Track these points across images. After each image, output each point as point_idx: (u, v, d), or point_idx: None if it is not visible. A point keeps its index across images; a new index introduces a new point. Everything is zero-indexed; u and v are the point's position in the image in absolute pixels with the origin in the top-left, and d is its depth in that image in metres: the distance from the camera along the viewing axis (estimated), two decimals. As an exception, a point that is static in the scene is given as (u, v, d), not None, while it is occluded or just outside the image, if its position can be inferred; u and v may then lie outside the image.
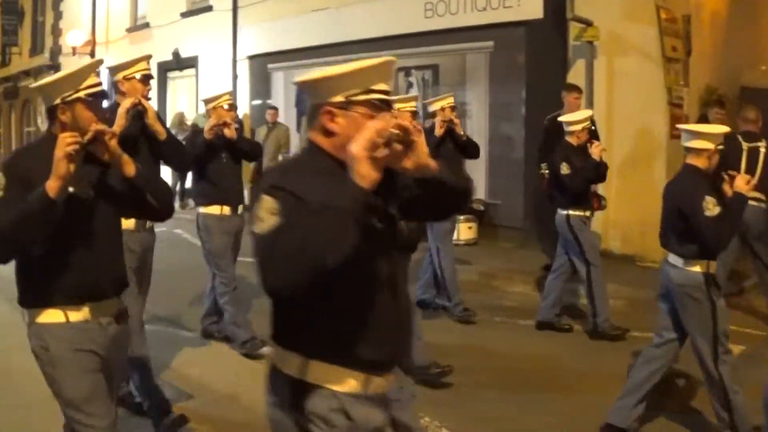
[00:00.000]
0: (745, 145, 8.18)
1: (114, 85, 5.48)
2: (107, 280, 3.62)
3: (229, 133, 7.00)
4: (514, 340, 7.78)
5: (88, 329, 3.52)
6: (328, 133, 2.60)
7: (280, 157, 14.79)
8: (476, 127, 12.64)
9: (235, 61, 17.95)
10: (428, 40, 13.00)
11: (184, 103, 19.83)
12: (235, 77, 17.95)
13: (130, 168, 3.54)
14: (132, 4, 22.28)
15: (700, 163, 5.03)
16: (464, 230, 11.82)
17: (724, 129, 5.18)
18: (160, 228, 5.88)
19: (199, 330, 7.65)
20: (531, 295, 9.42)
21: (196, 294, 8.71)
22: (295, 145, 15.19)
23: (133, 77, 5.46)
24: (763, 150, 8.17)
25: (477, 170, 11.99)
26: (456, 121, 7.98)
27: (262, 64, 17.36)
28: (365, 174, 2.28)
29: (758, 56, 15.23)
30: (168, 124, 18.22)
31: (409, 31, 13.25)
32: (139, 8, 22.08)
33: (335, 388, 2.60)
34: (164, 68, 20.21)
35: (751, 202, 6.43)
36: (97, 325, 3.55)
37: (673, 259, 5.15)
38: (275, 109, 15.77)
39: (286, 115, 16.34)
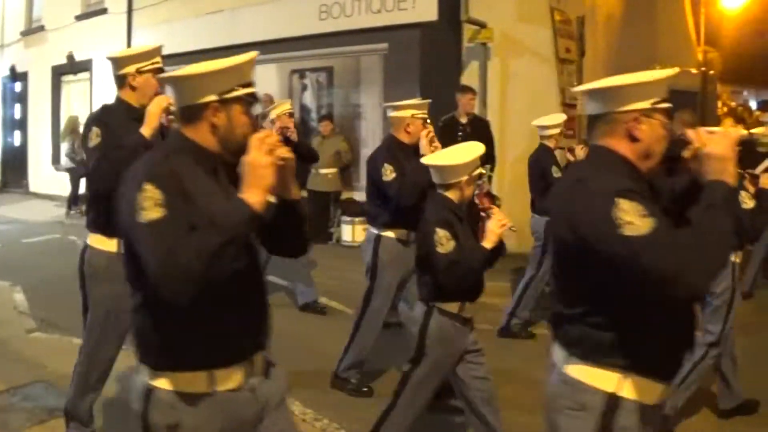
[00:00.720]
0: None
1: (120, 78, 4.58)
2: (265, 325, 2.88)
3: (294, 136, 7.07)
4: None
5: (237, 399, 2.75)
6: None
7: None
8: (371, 130, 12.50)
9: (129, 65, 17.38)
10: (323, 43, 12.81)
11: (78, 108, 19.19)
12: (129, 81, 17.39)
13: (296, 190, 2.88)
14: (27, 6, 21.56)
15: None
16: (358, 231, 11.51)
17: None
18: (53, 235, 5.55)
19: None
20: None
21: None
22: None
23: (148, 70, 4.57)
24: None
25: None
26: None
27: (157, 67, 16.83)
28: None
29: (653, 56, 15.43)
30: (61, 129, 18.05)
31: (303, 33, 13.00)
32: (34, 11, 21.37)
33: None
34: (58, 72, 19.72)
35: None
36: (249, 392, 2.78)
37: None
38: (172, 113, 15.25)
39: (182, 119, 15.89)
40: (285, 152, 2.60)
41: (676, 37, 16.93)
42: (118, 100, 4.59)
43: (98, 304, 4.54)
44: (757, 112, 11.06)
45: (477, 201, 4.58)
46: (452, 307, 4.45)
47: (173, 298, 2.41)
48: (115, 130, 4.33)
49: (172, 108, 4.24)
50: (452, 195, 4.47)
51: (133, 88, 4.52)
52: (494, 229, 4.37)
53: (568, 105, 10.95)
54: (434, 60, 11.57)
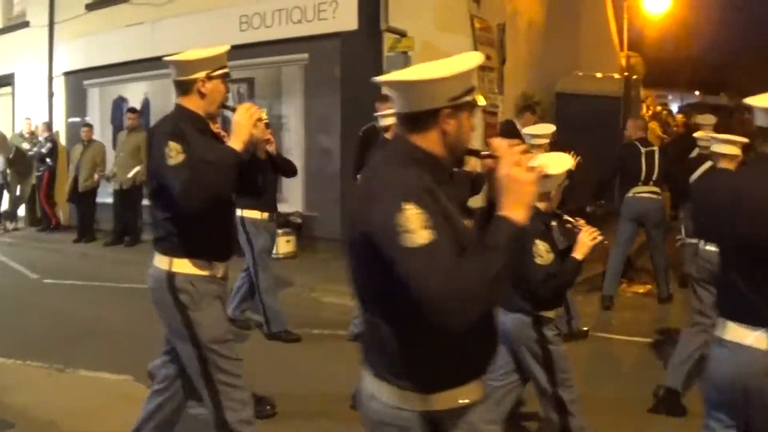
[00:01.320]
0: (642, 150, 9.37)
1: (185, 84, 4.27)
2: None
3: (273, 149, 6.55)
4: (335, 353, 7.59)
5: None
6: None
7: (95, 177, 14.13)
8: (293, 140, 12.46)
9: (51, 78, 17.26)
10: (244, 53, 12.63)
11: (0, 122, 18.82)
12: (50, 94, 17.28)
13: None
14: (-52, 20, 21.02)
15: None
16: (283, 244, 11.59)
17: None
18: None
19: (14, 356, 7.41)
20: (350, 306, 9.27)
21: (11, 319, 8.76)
22: (111, 162, 14.35)
23: (218, 76, 4.27)
24: (656, 152, 9.45)
25: (294, 183, 11.76)
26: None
27: (78, 80, 16.72)
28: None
29: (574, 62, 15.64)
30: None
31: (224, 44, 12.82)
32: (-45, 25, 20.85)
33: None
34: (-20, 87, 19.25)
35: (650, 196, 9.24)
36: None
37: None
38: (90, 126, 14.98)
39: (102, 133, 15.85)
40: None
41: (599, 43, 17.16)
42: (181, 108, 4.27)
43: (210, 327, 4.24)
44: (699, 117, 11.52)
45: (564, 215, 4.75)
46: (551, 314, 4.63)
47: (452, 323, 2.32)
48: (192, 144, 4.03)
49: (265, 118, 4.48)
50: (542, 205, 4.58)
51: (201, 95, 4.22)
52: (586, 241, 4.53)
53: (488, 112, 11.00)
54: (355, 70, 11.53)
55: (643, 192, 9.27)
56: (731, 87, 47.23)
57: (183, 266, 4.17)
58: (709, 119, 10.48)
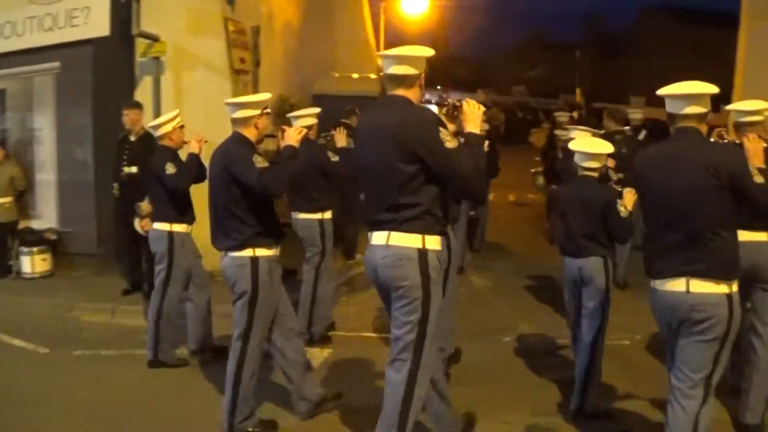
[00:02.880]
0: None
1: (246, 120, 5.72)
2: None
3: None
4: (99, 373, 7.38)
5: None
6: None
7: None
8: (47, 153, 11.91)
9: None
10: (-5, 65, 12.04)
11: None
12: None
13: None
14: None
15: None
16: (38, 262, 11.02)
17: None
18: None
19: None
20: (112, 323, 9.15)
21: None
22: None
23: (266, 113, 5.86)
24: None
25: (47, 197, 11.31)
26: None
27: None
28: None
29: (330, 64, 15.95)
30: None
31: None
32: None
33: None
34: None
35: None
36: None
37: None
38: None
39: None
40: None
41: (355, 45, 17.59)
42: (241, 136, 5.71)
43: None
44: (561, 114, 12.64)
45: None
46: None
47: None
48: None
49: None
50: None
51: (257, 127, 5.76)
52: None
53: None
54: (108, 77, 11.21)
55: None
56: (487, 84, 50.02)
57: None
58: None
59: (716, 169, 4.26)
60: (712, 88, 4.43)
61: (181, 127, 7.57)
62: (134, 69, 11.16)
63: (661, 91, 4.55)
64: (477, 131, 4.69)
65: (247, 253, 5.52)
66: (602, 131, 9.20)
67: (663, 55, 48.16)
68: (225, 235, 5.59)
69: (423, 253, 4.54)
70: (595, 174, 6.15)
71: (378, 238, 4.65)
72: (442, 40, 40.85)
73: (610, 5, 64.74)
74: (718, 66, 18.60)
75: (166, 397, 6.71)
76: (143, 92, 10.86)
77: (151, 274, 8.05)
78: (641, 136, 11.55)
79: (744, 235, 4.76)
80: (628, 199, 5.88)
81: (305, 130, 6.11)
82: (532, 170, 14.93)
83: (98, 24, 11.29)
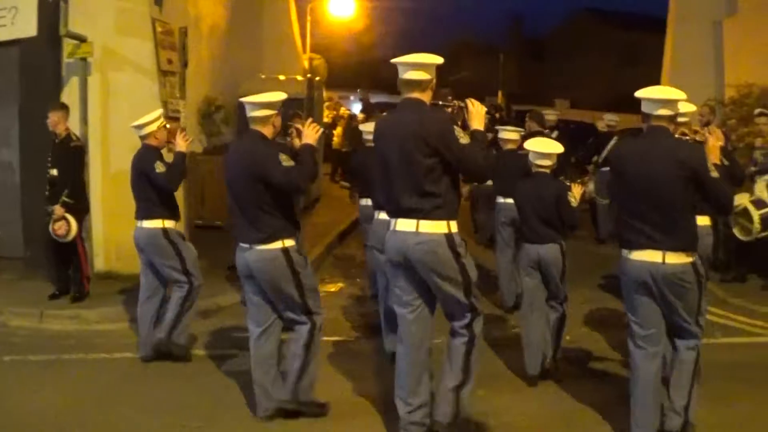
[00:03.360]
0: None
1: (265, 119, 5.94)
2: None
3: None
4: (31, 380, 7.28)
5: None
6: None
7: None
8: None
9: None
10: None
11: None
12: None
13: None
14: None
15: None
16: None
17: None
18: None
19: None
20: (40, 328, 9.02)
21: None
22: None
23: (279, 113, 6.08)
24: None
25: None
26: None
27: None
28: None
29: (257, 65, 16.11)
30: None
31: None
32: None
33: None
34: None
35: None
36: None
37: None
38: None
39: None
40: None
41: (282, 46, 17.75)
42: (261, 134, 5.95)
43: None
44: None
45: None
46: None
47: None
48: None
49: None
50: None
51: (274, 126, 6.02)
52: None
53: (171, 117, 10.99)
54: (35, 78, 11.06)
55: None
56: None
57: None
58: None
59: (682, 162, 5.15)
60: (681, 95, 5.33)
61: (165, 126, 7.77)
62: (61, 70, 11.12)
63: (638, 93, 5.36)
64: (481, 128, 5.45)
65: (277, 245, 5.86)
66: (525, 132, 9.90)
67: (589, 58, 49.25)
68: (257, 229, 5.89)
69: (449, 237, 5.29)
70: (548, 170, 7.07)
71: (405, 225, 5.34)
72: (369, 42, 41.09)
73: (537, 9, 65.66)
74: (644, 68, 19.30)
75: (98, 403, 6.69)
76: (70, 93, 10.81)
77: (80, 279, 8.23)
78: (553, 135, 12.13)
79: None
80: (576, 191, 6.97)
81: (321, 129, 6.40)
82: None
83: (25, 24, 11.11)
